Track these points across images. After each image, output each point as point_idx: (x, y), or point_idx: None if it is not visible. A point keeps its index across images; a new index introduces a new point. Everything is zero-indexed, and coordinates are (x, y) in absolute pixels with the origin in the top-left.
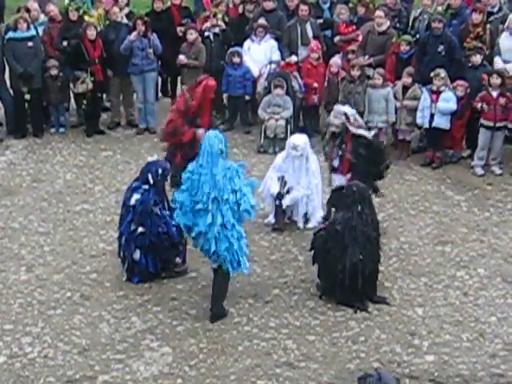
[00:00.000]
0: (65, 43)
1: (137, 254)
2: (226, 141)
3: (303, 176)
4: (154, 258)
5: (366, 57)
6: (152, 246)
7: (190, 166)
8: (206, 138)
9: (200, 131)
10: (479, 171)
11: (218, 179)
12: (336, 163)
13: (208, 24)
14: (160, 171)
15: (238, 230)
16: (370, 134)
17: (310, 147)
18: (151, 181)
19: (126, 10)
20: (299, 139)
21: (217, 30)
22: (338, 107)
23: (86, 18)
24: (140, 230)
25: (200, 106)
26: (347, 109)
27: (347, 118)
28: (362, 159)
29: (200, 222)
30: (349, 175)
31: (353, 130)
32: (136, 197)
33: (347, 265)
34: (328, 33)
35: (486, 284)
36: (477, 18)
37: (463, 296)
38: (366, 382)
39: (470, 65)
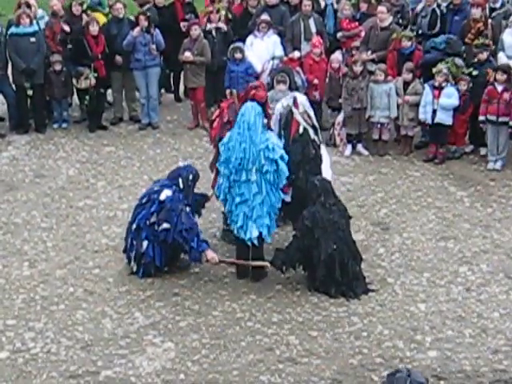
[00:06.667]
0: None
1: (144, 245)
2: (262, 113)
3: None
4: (162, 252)
5: (369, 52)
6: (170, 243)
7: (227, 136)
8: (244, 108)
9: None
10: (491, 166)
11: (261, 150)
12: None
13: (212, 25)
14: (191, 177)
15: (277, 195)
16: (302, 127)
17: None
18: (181, 185)
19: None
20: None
21: (220, 24)
22: (294, 93)
23: (91, 13)
24: (165, 225)
25: None
26: (301, 96)
27: (295, 102)
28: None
29: (245, 191)
30: None
31: (296, 115)
32: (167, 193)
33: (322, 256)
34: (330, 28)
35: (489, 280)
36: (476, 12)
37: (466, 292)
38: (396, 376)
39: (475, 60)
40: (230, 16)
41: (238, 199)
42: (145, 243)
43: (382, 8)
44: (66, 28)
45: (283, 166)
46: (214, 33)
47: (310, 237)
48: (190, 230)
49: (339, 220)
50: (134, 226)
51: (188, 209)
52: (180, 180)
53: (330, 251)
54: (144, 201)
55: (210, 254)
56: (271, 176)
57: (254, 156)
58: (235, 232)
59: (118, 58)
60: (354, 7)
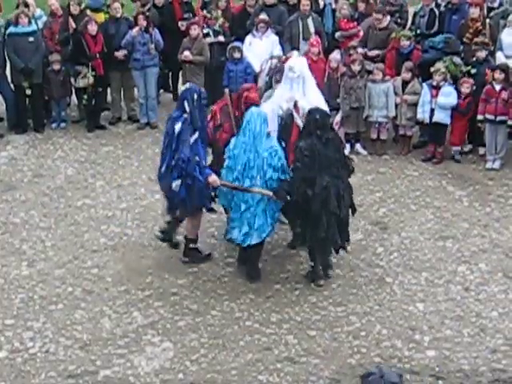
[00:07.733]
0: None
1: (176, 184)
2: (266, 119)
3: (301, 97)
4: (192, 193)
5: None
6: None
7: (232, 143)
8: (249, 115)
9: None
10: (490, 165)
11: (264, 158)
12: None
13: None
14: (195, 97)
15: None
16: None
17: (307, 69)
18: (187, 109)
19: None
20: (296, 61)
21: (219, 38)
22: (294, 96)
23: (89, 12)
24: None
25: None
26: (303, 101)
27: (295, 106)
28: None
29: (248, 198)
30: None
31: (296, 120)
32: (178, 125)
33: (317, 189)
34: (328, 27)
35: (488, 279)
36: (474, 12)
37: (464, 291)
38: (370, 379)
39: (474, 59)
40: (227, 25)
41: (243, 206)
42: (177, 182)
43: (376, 15)
44: (73, 24)
45: (284, 171)
46: (211, 33)
47: (311, 166)
48: (187, 162)
49: (333, 155)
50: (163, 169)
51: (194, 137)
52: (185, 103)
53: (324, 184)
54: (166, 143)
55: (212, 178)
56: (274, 183)
57: (259, 165)
58: (235, 238)
59: (118, 54)
60: (352, 7)
